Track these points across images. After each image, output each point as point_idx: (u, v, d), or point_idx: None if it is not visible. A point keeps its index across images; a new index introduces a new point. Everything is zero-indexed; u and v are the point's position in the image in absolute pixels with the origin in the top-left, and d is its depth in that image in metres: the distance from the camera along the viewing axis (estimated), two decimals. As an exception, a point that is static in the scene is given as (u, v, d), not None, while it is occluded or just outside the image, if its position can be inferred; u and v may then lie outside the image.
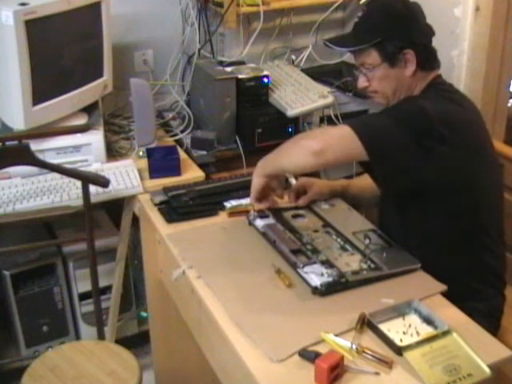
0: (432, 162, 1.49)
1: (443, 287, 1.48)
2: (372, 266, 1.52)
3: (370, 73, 1.65)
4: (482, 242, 1.62)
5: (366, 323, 1.35)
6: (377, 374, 1.23)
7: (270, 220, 1.72)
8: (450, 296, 1.45)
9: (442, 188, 1.54)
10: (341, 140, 1.49)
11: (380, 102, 1.70)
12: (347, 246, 1.60)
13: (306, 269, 1.50)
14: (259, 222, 1.71)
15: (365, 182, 1.81)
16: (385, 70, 1.62)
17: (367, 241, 1.62)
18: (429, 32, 1.65)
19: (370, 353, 1.27)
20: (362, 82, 1.68)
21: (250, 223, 1.73)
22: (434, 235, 1.60)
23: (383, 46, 1.60)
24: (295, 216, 1.76)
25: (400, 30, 1.60)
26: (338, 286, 1.46)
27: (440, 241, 1.60)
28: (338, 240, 1.63)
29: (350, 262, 1.53)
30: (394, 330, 1.33)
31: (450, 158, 1.49)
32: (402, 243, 1.60)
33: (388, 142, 1.47)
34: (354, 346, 1.28)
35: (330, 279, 1.47)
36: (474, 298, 1.58)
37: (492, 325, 1.49)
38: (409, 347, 1.27)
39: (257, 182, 1.65)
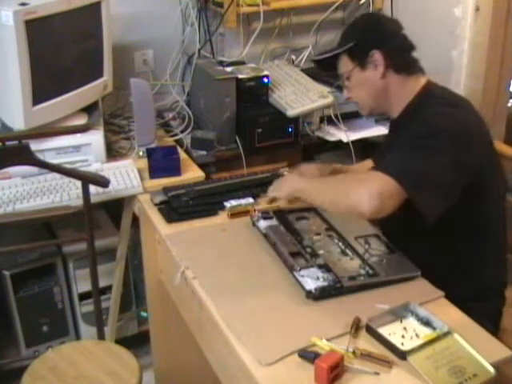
0: (466, 172, 1.48)
1: (441, 293, 1.47)
2: (370, 271, 1.50)
3: (348, 82, 1.71)
4: (485, 245, 1.61)
5: (366, 329, 1.34)
6: (377, 373, 1.23)
7: (273, 221, 1.72)
8: (450, 297, 1.44)
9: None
10: (390, 198, 1.42)
11: (364, 110, 1.74)
12: (348, 251, 1.59)
13: (303, 272, 1.49)
14: (262, 223, 1.71)
15: (361, 170, 1.86)
16: (357, 74, 1.67)
17: (367, 246, 1.61)
18: (402, 40, 1.67)
19: (368, 354, 1.26)
20: (345, 94, 1.77)
21: (254, 224, 1.73)
22: (432, 236, 1.58)
23: (353, 50, 1.67)
24: (299, 218, 1.75)
25: (367, 35, 1.67)
26: (332, 290, 1.44)
27: (440, 240, 1.59)
28: (339, 244, 1.63)
29: (349, 267, 1.52)
30: (394, 334, 1.32)
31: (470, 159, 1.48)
32: (401, 244, 1.59)
33: (428, 181, 1.44)
34: (349, 349, 1.27)
35: (325, 284, 1.45)
36: (474, 299, 1.57)
37: (491, 326, 1.48)
38: (412, 351, 1.26)
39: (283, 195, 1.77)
